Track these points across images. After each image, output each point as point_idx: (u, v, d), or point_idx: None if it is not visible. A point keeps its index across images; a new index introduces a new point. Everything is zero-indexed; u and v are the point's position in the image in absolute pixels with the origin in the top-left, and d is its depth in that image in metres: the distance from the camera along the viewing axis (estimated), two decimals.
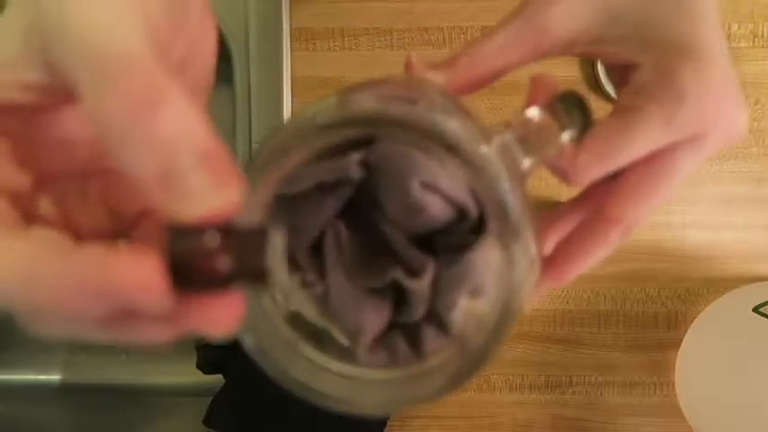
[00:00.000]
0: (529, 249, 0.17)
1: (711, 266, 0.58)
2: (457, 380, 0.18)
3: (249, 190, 0.16)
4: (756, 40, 0.57)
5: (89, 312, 0.15)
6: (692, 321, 0.55)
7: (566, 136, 0.23)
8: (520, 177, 0.20)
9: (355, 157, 0.20)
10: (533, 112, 0.22)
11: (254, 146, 0.58)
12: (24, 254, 0.14)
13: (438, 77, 0.24)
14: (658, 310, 0.59)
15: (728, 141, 0.24)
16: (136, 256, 0.14)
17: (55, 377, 0.80)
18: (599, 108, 0.59)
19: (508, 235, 0.17)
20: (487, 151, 0.17)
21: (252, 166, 0.17)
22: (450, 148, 0.16)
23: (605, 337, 0.59)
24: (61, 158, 0.19)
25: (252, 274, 0.15)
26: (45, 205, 0.19)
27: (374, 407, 0.19)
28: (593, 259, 0.25)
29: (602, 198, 0.25)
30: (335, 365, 0.20)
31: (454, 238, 0.21)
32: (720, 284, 0.58)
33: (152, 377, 0.79)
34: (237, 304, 0.15)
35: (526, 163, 0.20)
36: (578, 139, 0.23)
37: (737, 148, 0.57)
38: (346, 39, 0.58)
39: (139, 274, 0.14)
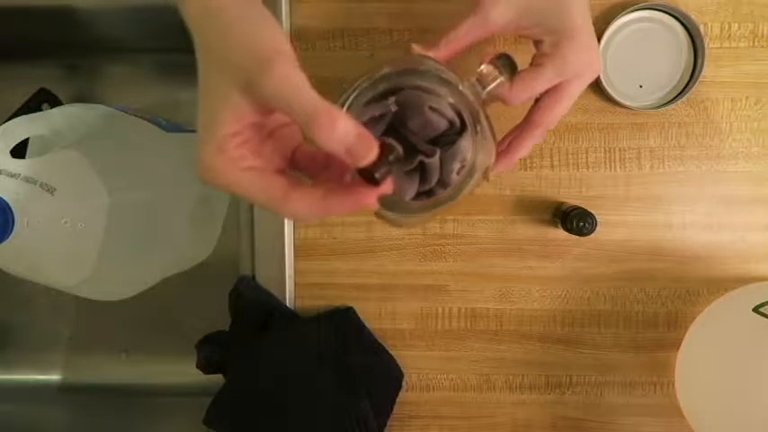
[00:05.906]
0: (487, 137, 0.39)
1: (711, 266, 0.58)
2: (437, 204, 0.39)
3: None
4: (756, 40, 0.57)
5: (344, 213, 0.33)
6: (691, 321, 0.55)
7: (503, 78, 0.41)
8: (481, 102, 0.39)
9: (392, 99, 0.37)
10: (485, 67, 0.40)
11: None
12: (317, 199, 0.32)
13: (430, 53, 0.43)
14: (658, 310, 0.59)
15: (594, 77, 0.44)
16: (368, 190, 0.32)
17: (55, 377, 0.80)
18: (602, 107, 0.58)
19: (477, 130, 0.38)
20: (464, 86, 0.39)
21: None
22: (446, 84, 0.38)
23: (605, 337, 0.59)
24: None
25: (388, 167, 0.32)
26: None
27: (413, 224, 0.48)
28: (526, 149, 0.45)
29: (530, 113, 0.45)
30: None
31: (448, 138, 0.38)
32: (720, 284, 0.58)
33: (152, 377, 0.79)
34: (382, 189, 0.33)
35: (483, 94, 0.40)
36: (510, 80, 0.41)
37: (737, 148, 0.57)
38: (346, 39, 0.58)
39: (372, 197, 0.32)
